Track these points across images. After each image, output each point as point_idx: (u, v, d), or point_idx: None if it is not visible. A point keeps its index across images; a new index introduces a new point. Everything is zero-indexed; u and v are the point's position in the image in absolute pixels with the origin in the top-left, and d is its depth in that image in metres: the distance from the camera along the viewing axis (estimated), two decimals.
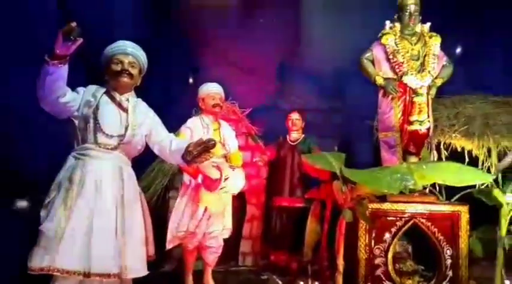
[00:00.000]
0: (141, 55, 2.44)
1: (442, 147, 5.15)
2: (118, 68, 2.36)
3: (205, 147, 2.19)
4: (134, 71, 2.40)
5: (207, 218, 3.25)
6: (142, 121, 2.41)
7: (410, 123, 3.43)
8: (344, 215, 3.03)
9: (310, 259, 3.76)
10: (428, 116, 3.47)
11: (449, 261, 3.33)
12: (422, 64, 3.49)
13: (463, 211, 3.36)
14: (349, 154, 3.60)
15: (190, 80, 5.82)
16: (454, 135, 5.13)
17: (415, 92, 3.45)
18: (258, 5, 5.64)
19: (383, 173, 2.93)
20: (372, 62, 3.60)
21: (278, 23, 5.63)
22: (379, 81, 3.54)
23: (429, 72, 3.44)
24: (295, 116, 4.35)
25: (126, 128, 2.34)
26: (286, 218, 4.23)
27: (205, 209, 3.24)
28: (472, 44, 6.28)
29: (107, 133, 2.28)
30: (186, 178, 3.35)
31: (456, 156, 5.15)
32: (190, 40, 5.58)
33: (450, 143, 5.12)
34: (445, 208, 3.39)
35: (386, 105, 3.54)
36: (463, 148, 5.09)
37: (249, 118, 4.86)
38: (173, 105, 4.71)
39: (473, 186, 3.53)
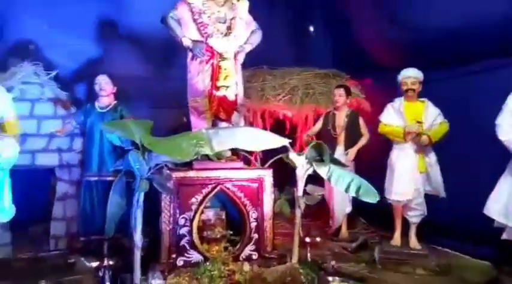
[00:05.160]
0: None
1: (266, 115, 5.35)
2: None
3: None
4: None
5: None
6: None
7: (218, 88, 3.33)
8: (140, 185, 2.78)
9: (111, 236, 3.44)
10: (236, 82, 3.41)
11: (254, 224, 3.39)
12: (229, 27, 3.38)
13: (267, 175, 3.44)
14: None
15: None
16: (278, 103, 5.36)
17: (221, 56, 3.34)
18: None
19: (180, 140, 2.75)
20: (180, 22, 3.36)
21: None
22: (186, 42, 3.33)
23: (235, 36, 3.36)
24: (103, 79, 3.87)
25: None
26: (97, 195, 3.83)
27: None
28: (297, 19, 6.60)
29: None
30: None
31: (279, 123, 5.42)
32: None
33: (275, 111, 5.35)
34: (251, 173, 3.43)
35: (195, 69, 3.37)
36: (285, 116, 5.37)
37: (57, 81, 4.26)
38: None
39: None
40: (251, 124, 5.13)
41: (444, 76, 4.39)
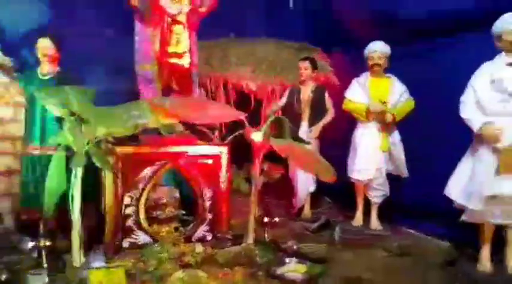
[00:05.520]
0: None
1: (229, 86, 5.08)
2: None
3: None
4: None
5: None
6: None
7: (169, 55, 3.04)
8: (75, 160, 2.51)
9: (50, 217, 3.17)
10: (190, 50, 3.13)
11: (208, 203, 3.19)
12: None
13: (223, 151, 3.22)
14: None
15: None
16: (241, 75, 5.10)
17: (173, 19, 3.03)
18: None
19: (121, 111, 2.48)
20: None
21: None
22: (133, 2, 3.00)
23: None
24: (43, 43, 3.46)
25: None
26: (40, 170, 3.50)
27: None
28: None
29: None
30: None
31: (244, 97, 5.18)
32: None
33: (238, 83, 5.09)
34: (205, 150, 3.20)
35: (143, 32, 3.06)
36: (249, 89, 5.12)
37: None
38: None
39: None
40: (212, 97, 4.88)
41: (421, 48, 4.19)
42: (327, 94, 4.26)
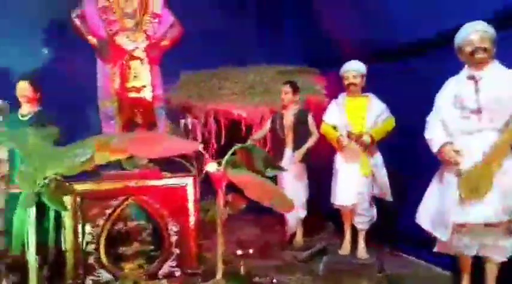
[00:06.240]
0: None
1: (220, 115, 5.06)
2: None
3: None
4: None
5: None
6: None
7: (128, 90, 3.06)
8: (25, 200, 2.53)
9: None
10: (153, 83, 3.13)
11: (174, 238, 3.11)
12: (139, 23, 3.11)
13: (190, 183, 3.15)
14: None
15: None
16: (232, 103, 5.07)
17: (130, 55, 3.06)
18: None
19: (66, 150, 2.49)
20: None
21: None
22: (92, 41, 3.07)
23: (145, 31, 3.08)
24: (21, 86, 3.61)
25: None
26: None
27: None
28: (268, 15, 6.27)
29: None
30: None
31: (235, 123, 5.12)
32: None
33: (228, 111, 5.05)
34: (169, 182, 3.14)
35: (103, 69, 3.11)
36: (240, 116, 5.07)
37: None
38: None
39: None
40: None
41: (405, 68, 4.00)
42: (310, 118, 4.10)
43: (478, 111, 2.35)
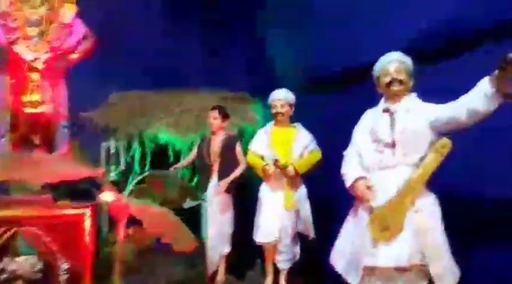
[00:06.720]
0: None
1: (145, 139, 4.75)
2: None
3: None
4: None
5: None
6: None
7: (23, 104, 2.70)
8: None
9: None
10: (56, 100, 2.80)
11: (65, 276, 2.70)
12: (44, 32, 2.79)
13: (87, 214, 2.77)
14: None
15: None
16: (162, 128, 4.79)
17: (30, 66, 2.73)
18: None
19: None
20: None
21: None
22: None
23: (49, 42, 2.77)
24: None
25: None
26: None
27: None
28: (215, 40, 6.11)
29: None
30: None
31: (162, 149, 4.82)
32: None
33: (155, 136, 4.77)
34: (64, 211, 2.76)
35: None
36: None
37: None
38: None
39: None
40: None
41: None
42: (238, 146, 3.88)
43: (392, 145, 2.23)
